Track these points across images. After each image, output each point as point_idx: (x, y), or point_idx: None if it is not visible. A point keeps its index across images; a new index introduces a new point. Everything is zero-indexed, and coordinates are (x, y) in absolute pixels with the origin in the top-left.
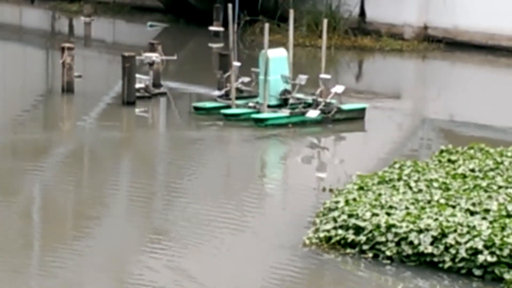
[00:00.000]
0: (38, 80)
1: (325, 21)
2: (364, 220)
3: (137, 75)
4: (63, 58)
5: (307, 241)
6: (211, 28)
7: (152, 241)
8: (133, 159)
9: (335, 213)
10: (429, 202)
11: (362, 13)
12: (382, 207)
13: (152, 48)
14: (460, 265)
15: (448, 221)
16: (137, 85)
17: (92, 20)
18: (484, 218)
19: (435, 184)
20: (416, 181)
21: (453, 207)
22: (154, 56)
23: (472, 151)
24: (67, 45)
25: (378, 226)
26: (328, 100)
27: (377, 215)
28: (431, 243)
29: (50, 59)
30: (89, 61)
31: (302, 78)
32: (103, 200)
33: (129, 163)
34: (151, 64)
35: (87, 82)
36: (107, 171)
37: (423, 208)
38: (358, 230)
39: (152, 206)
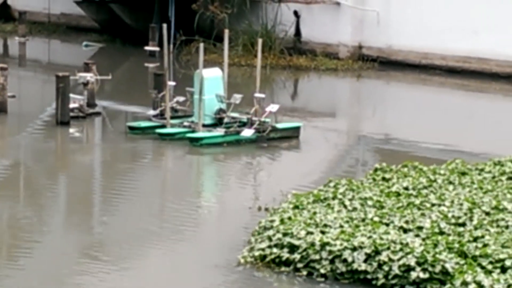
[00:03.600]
0: None
1: (260, 41)
2: (299, 239)
3: (72, 95)
4: None
5: (242, 260)
6: (147, 48)
7: (82, 261)
8: (66, 179)
9: (270, 232)
10: (363, 220)
11: (298, 33)
12: (316, 225)
13: (86, 68)
14: (393, 282)
15: (381, 238)
16: (71, 105)
17: (27, 40)
18: (417, 236)
19: (369, 202)
20: (350, 200)
21: (387, 224)
22: (89, 76)
23: (406, 169)
24: (0, 65)
25: (312, 244)
26: (262, 119)
27: (311, 233)
28: (365, 261)
29: None
30: (23, 81)
31: (237, 97)
32: (33, 221)
33: (62, 183)
34: (86, 84)
35: (21, 102)
36: (38, 191)
37: (357, 226)
38: (292, 248)
39: (81, 226)
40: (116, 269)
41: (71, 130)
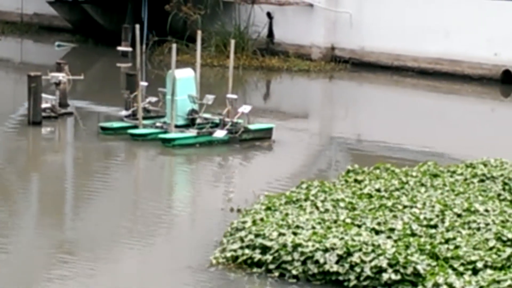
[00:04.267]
0: None
1: (232, 42)
2: (271, 240)
3: (44, 95)
4: None
5: (214, 261)
6: (120, 48)
7: (53, 262)
8: (38, 178)
9: (242, 233)
10: (335, 221)
11: (271, 34)
12: (289, 227)
13: (59, 67)
14: (365, 283)
15: (353, 240)
16: (43, 105)
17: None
18: (389, 237)
19: (342, 204)
20: (323, 201)
21: (359, 226)
22: (61, 76)
23: (378, 171)
24: None
25: (284, 246)
26: (235, 120)
27: (283, 234)
28: (337, 262)
29: None
30: None
31: (209, 98)
32: (7, 221)
33: (33, 182)
34: (58, 84)
35: None
36: (10, 191)
37: (329, 227)
38: (264, 249)
39: (56, 225)
40: (87, 269)
41: (43, 130)
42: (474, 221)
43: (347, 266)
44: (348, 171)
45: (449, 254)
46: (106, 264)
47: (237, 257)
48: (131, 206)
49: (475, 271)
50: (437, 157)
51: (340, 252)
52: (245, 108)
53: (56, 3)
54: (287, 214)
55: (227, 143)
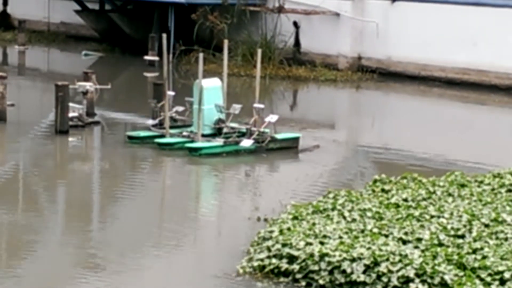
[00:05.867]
0: None
1: (259, 51)
2: (298, 249)
3: (71, 104)
4: None
5: (241, 270)
6: (146, 57)
7: (80, 269)
8: (65, 187)
9: (269, 242)
10: (362, 231)
11: (297, 43)
12: (316, 236)
13: (86, 77)
14: None
15: (380, 250)
16: (71, 114)
17: (27, 48)
18: (416, 247)
19: (369, 214)
20: (350, 211)
21: (386, 236)
22: (88, 85)
23: (405, 181)
24: None
25: (311, 255)
26: (262, 130)
27: (310, 244)
28: (364, 272)
29: None
30: (22, 90)
31: (236, 108)
32: (35, 229)
33: (61, 191)
34: (85, 93)
35: (20, 111)
36: (37, 199)
37: (356, 237)
38: (291, 259)
39: (80, 235)
40: (114, 278)
41: (70, 139)
42: (502, 231)
43: (374, 276)
44: (375, 181)
45: (476, 264)
46: (133, 273)
47: (264, 267)
48: (157, 215)
49: (502, 282)
50: (464, 167)
51: (367, 262)
52: (272, 118)
53: (83, 12)
54: (314, 224)
55: (253, 153)
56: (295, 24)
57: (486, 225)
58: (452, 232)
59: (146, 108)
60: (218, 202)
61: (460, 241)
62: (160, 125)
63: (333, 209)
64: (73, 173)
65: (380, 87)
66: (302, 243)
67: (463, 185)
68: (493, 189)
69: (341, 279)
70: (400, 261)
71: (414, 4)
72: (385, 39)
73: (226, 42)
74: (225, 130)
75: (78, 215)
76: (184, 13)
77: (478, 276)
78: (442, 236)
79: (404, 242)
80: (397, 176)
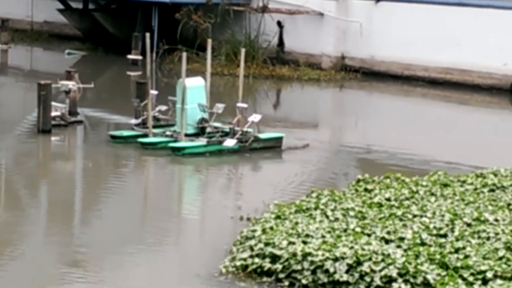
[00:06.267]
0: None
1: (243, 51)
2: (281, 249)
3: (53, 103)
4: None
5: (224, 270)
6: (130, 56)
7: (61, 269)
8: (47, 186)
9: (252, 242)
10: (345, 230)
11: (281, 43)
12: (298, 235)
13: (69, 76)
14: None
15: (363, 249)
16: (53, 113)
17: (9, 47)
18: (398, 246)
19: (352, 213)
20: (332, 210)
21: (369, 235)
22: (71, 84)
23: (388, 181)
24: None
25: (294, 255)
26: (245, 129)
27: (293, 243)
28: (347, 271)
29: None
30: (5, 88)
31: (220, 107)
32: (17, 228)
33: (43, 190)
34: (68, 92)
35: (3, 110)
36: (19, 198)
37: (339, 236)
38: (274, 258)
39: (65, 235)
40: (96, 278)
41: (53, 138)
42: (484, 231)
43: (357, 275)
44: (358, 180)
45: (459, 264)
46: (115, 273)
47: (246, 266)
48: (140, 215)
49: (485, 281)
50: (447, 166)
51: (350, 261)
52: (256, 117)
53: (67, 11)
54: (297, 223)
55: (237, 152)
56: (279, 23)
57: (469, 225)
58: (435, 232)
59: (129, 107)
60: (201, 201)
61: (442, 240)
62: (143, 124)
63: (316, 209)
64: (56, 172)
65: (364, 87)
66: (285, 243)
67: (445, 185)
68: (475, 189)
69: (324, 278)
70: (382, 260)
71: (398, 4)
72: (368, 39)
73: (209, 41)
74: (208, 129)
75: (60, 214)
76: (168, 12)
77: (461, 276)
78: (424, 236)
79: (387, 242)
80: (380, 175)
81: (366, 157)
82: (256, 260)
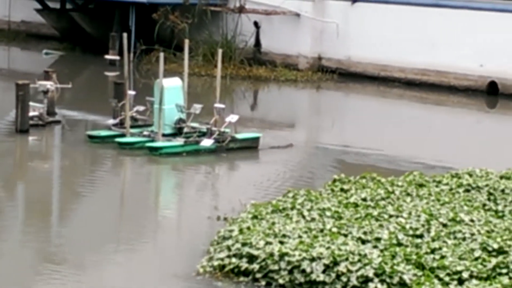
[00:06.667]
0: None
1: (220, 51)
2: (258, 249)
3: (31, 103)
4: None
5: (201, 270)
6: (107, 56)
7: (39, 269)
8: (24, 186)
9: (229, 242)
10: (321, 230)
11: (258, 43)
12: (275, 235)
13: (46, 76)
14: None
15: (340, 249)
16: (31, 113)
17: None
18: (375, 247)
19: (328, 213)
20: (309, 210)
21: (345, 235)
22: (49, 84)
23: (364, 181)
24: None
25: (271, 255)
26: (222, 129)
27: (270, 243)
28: (323, 271)
29: None
30: None
31: (197, 107)
32: None
33: (20, 190)
34: (46, 92)
35: None
36: None
37: (315, 236)
38: (251, 258)
39: (42, 234)
40: (73, 278)
41: (31, 138)
42: (460, 231)
43: (333, 275)
44: (335, 180)
45: (435, 264)
46: (91, 273)
47: (224, 266)
48: (117, 214)
49: (460, 281)
50: (423, 167)
51: (326, 261)
52: (233, 118)
53: (44, 11)
54: (273, 223)
55: (214, 152)
56: (256, 24)
57: (444, 225)
58: (411, 232)
59: (107, 108)
60: (178, 201)
61: (418, 240)
62: (121, 124)
63: (292, 209)
64: (33, 172)
65: (340, 88)
66: (261, 243)
67: (421, 185)
68: (451, 189)
69: (300, 278)
70: (359, 260)
71: (374, 5)
72: (345, 39)
73: (187, 41)
74: (185, 129)
75: (36, 215)
76: (145, 12)
77: (437, 276)
78: (400, 236)
79: (363, 242)
80: (356, 175)
81: (343, 157)
82: (233, 260)
